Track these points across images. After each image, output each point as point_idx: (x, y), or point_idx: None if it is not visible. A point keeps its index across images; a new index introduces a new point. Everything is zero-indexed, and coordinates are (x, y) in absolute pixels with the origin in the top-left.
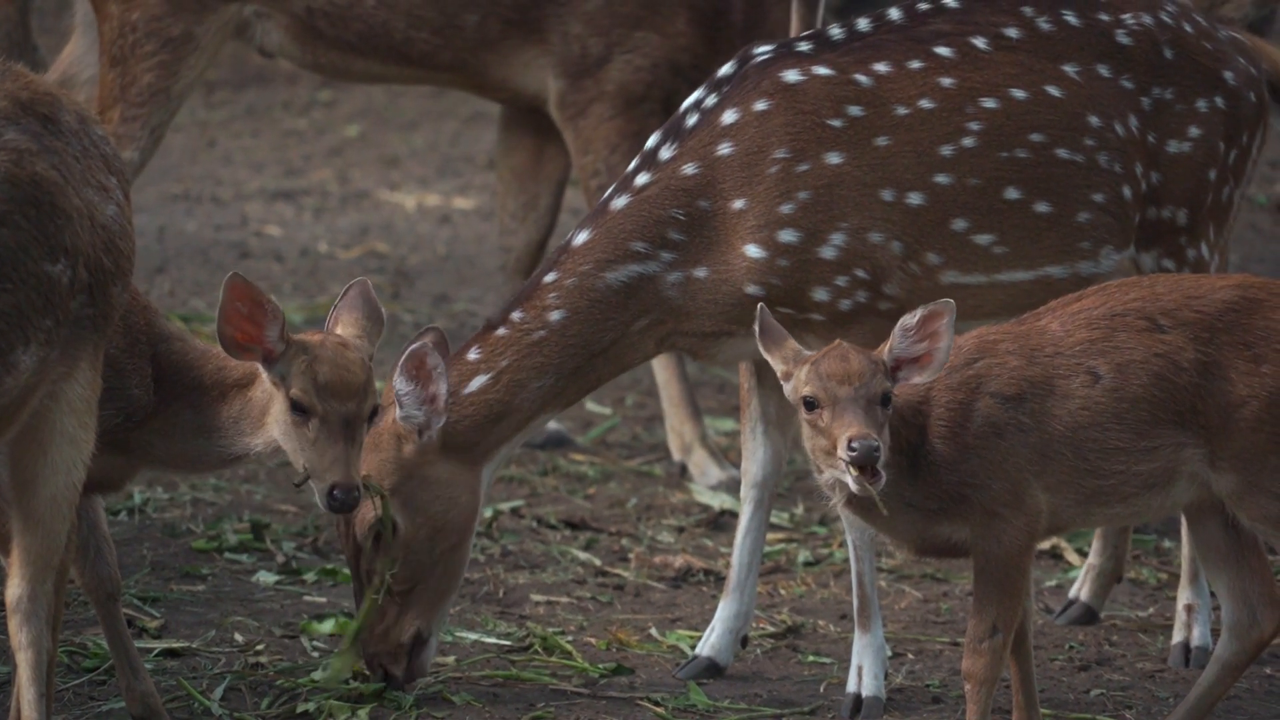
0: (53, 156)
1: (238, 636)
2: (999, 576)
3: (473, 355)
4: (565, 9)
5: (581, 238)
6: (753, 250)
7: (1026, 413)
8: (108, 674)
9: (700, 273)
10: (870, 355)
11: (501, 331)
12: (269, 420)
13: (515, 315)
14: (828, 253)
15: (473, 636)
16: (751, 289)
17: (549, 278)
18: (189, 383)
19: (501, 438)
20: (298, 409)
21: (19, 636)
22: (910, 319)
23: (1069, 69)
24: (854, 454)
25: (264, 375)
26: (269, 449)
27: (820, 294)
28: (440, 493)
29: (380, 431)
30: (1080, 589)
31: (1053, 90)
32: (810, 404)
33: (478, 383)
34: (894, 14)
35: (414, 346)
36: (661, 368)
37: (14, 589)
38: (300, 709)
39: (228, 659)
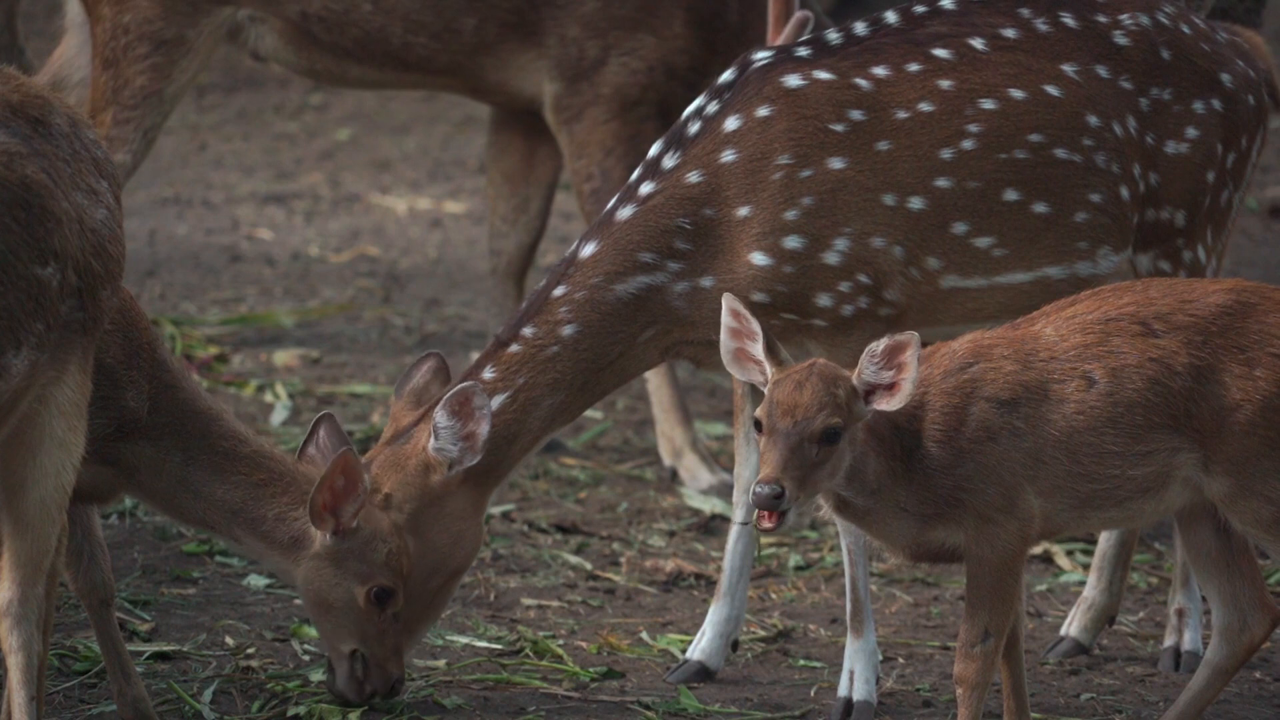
0: (42, 160)
1: (228, 640)
2: (992, 581)
3: (488, 375)
4: (562, 12)
5: (588, 250)
6: (758, 258)
7: (1021, 417)
8: (98, 677)
9: (707, 282)
10: (837, 382)
11: (515, 349)
12: (295, 568)
13: (527, 331)
14: (831, 258)
15: (464, 640)
16: (758, 296)
17: (558, 291)
18: (190, 431)
19: (513, 459)
20: (385, 599)
21: (9, 640)
22: (876, 346)
23: (1067, 68)
24: (753, 499)
25: (318, 539)
26: (251, 557)
27: (823, 300)
28: (450, 526)
29: (408, 454)
30: (1070, 624)
31: (1051, 90)
32: (757, 426)
33: (496, 403)
34: (891, 17)
35: (464, 384)
36: (653, 373)
37: (4, 593)
38: (291, 712)
39: (218, 662)
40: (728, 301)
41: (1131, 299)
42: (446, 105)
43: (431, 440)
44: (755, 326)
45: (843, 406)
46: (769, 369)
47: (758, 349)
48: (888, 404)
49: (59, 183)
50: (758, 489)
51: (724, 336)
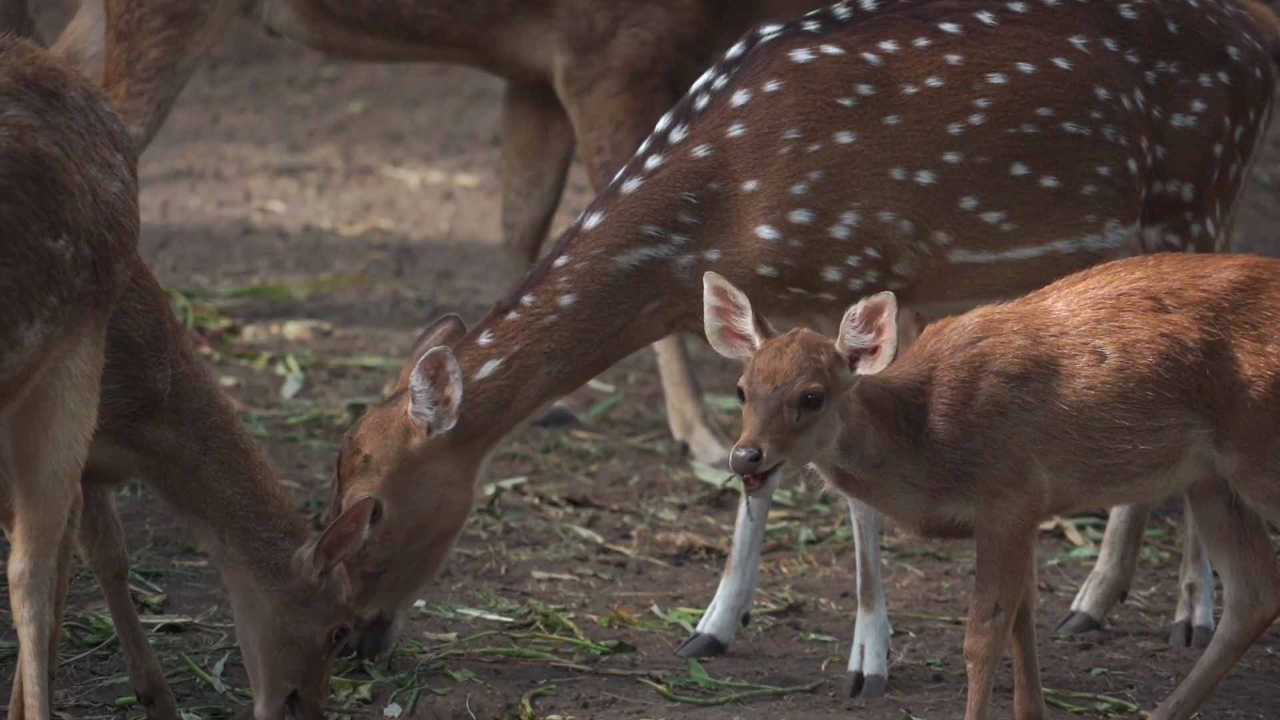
0: (55, 133)
1: None
2: (1002, 556)
3: (484, 340)
4: None
5: (592, 221)
6: (765, 231)
7: (1030, 392)
8: (110, 649)
9: (713, 255)
10: (819, 348)
11: (513, 316)
12: (266, 596)
13: (526, 299)
14: (840, 232)
15: (474, 613)
16: (765, 270)
17: (560, 261)
18: (214, 422)
19: (508, 424)
20: (341, 639)
21: (21, 611)
22: (854, 310)
23: (1075, 41)
24: (731, 463)
25: (299, 575)
26: (223, 566)
27: (832, 274)
28: (434, 491)
29: (391, 416)
30: (1082, 599)
31: (1060, 63)
32: (740, 394)
33: (489, 368)
34: None
35: (435, 348)
36: (663, 347)
37: (16, 564)
38: None
39: (229, 634)
40: (710, 280)
41: (1143, 274)
42: (459, 78)
43: (409, 403)
44: (742, 301)
45: (824, 372)
46: (758, 342)
47: (746, 324)
48: (871, 368)
49: (72, 155)
50: (736, 453)
51: (708, 315)
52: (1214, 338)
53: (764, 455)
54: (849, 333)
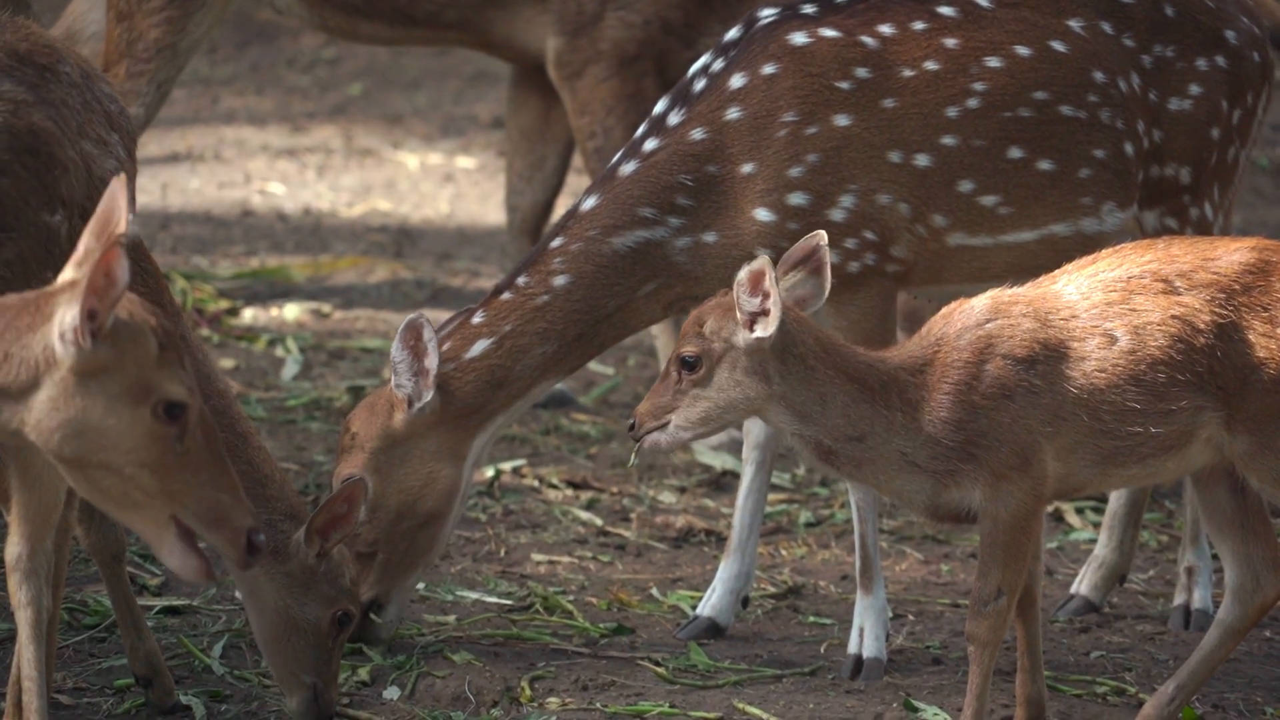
0: (49, 108)
1: (238, 594)
2: (1005, 540)
3: (476, 319)
4: None
5: (589, 203)
6: (762, 214)
7: (1038, 374)
8: (108, 631)
9: (709, 237)
10: (708, 313)
11: (506, 296)
12: (267, 579)
13: (521, 280)
14: (837, 215)
15: (474, 595)
16: (762, 253)
17: (555, 243)
18: (210, 406)
19: (501, 404)
20: (345, 623)
21: (18, 594)
22: (741, 275)
23: (1073, 24)
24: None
25: (296, 556)
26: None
27: (829, 257)
28: (419, 468)
29: (381, 395)
30: (1081, 582)
31: (1057, 46)
32: None
33: (480, 347)
34: None
35: (411, 317)
36: (661, 330)
37: (13, 547)
38: None
39: (228, 617)
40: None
41: (1153, 256)
42: (459, 60)
43: (393, 377)
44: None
45: (703, 337)
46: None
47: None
48: (765, 330)
49: (65, 131)
50: (630, 419)
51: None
52: (1225, 320)
53: (636, 423)
54: (741, 297)
